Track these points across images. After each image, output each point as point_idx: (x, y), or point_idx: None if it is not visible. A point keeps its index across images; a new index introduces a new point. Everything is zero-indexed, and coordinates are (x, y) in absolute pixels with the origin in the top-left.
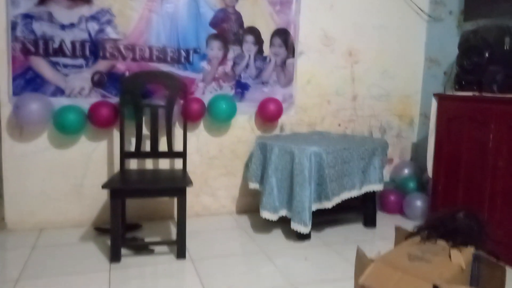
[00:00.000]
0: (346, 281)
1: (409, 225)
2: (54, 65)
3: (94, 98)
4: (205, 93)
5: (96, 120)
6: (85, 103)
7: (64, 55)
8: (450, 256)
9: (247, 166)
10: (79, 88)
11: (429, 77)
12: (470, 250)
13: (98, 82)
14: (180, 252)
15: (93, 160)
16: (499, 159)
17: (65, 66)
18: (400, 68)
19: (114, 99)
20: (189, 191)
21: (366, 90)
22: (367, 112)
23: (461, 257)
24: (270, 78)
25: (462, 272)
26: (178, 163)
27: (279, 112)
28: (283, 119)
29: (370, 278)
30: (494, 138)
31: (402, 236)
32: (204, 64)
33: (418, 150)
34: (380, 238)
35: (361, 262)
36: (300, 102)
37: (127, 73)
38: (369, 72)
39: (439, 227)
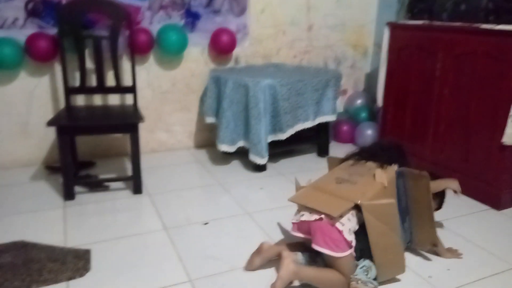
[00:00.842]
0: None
1: None
2: None
3: (30, 30)
4: (152, 23)
5: (34, 54)
6: (21, 35)
7: None
8: (374, 176)
9: (202, 100)
10: (12, 19)
11: (384, 6)
12: (393, 168)
13: (33, 11)
14: (136, 187)
15: (36, 96)
16: (444, 87)
17: None
18: None
19: (52, 30)
20: (143, 127)
21: (321, 20)
22: (322, 43)
23: (384, 175)
24: (222, 7)
25: (384, 189)
26: (128, 99)
27: (233, 44)
28: (237, 51)
29: (297, 197)
30: (441, 67)
31: (333, 165)
32: None
33: (371, 80)
34: None
35: (297, 190)
36: (255, 33)
37: (63, 1)
38: (324, 0)
39: (365, 152)
